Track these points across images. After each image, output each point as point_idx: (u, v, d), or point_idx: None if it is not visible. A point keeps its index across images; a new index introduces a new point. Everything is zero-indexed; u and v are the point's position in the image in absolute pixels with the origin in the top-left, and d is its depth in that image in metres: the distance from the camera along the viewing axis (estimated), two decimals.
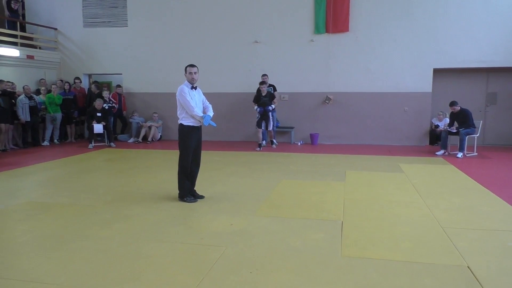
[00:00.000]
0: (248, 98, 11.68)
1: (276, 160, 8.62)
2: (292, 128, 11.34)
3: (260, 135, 10.27)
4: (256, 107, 10.17)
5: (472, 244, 3.88)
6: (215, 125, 5.44)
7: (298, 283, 3.11)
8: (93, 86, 12.03)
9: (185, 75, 5.30)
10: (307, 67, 11.29)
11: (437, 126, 10.69)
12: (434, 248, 3.79)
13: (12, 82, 10.56)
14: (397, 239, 4.02)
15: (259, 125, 10.19)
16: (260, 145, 10.26)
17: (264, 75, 10.68)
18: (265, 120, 10.07)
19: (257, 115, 10.24)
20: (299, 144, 11.18)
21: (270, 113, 9.91)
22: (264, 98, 9.85)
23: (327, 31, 11.04)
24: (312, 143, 11.21)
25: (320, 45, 11.17)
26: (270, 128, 10.04)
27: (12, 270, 3.37)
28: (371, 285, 3.07)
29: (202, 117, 5.22)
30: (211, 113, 5.39)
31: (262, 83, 10.20)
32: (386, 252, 3.71)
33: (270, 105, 9.92)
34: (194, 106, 5.20)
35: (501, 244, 3.88)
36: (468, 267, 3.37)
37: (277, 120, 10.94)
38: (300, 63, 11.31)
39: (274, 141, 10.69)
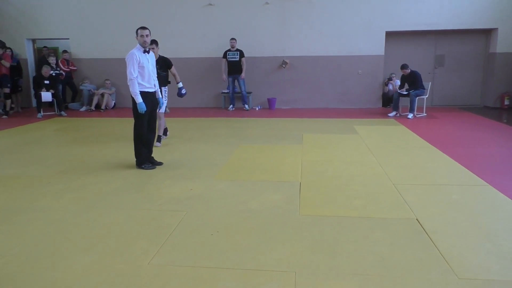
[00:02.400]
0: (204, 62, 11.47)
1: (234, 126, 8.61)
2: (249, 93, 11.30)
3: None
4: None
5: (420, 198, 4.11)
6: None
7: (258, 242, 3.18)
8: (44, 48, 11.36)
9: (137, 39, 5.10)
10: (262, 31, 11.16)
11: (389, 91, 11.03)
12: (385, 204, 3.98)
13: None
14: (351, 196, 4.18)
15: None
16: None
17: (232, 39, 10.61)
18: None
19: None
20: (257, 109, 11.19)
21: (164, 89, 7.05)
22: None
23: None
24: (269, 107, 11.25)
25: (275, 8, 11.02)
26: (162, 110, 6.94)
27: None
28: (327, 240, 3.19)
29: (137, 94, 5.02)
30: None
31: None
32: (341, 209, 3.85)
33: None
34: (137, 75, 5.02)
35: (446, 198, 4.13)
36: (416, 219, 3.57)
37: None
38: (255, 26, 11.15)
39: (246, 106, 11.00)
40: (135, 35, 5.11)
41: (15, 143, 7.13)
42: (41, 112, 10.16)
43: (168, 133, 7.32)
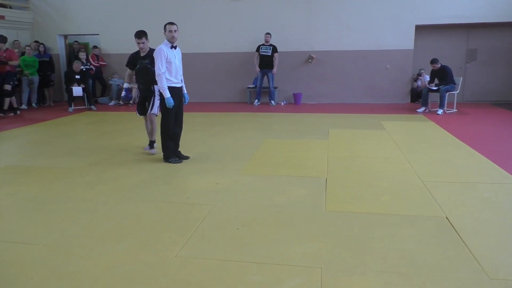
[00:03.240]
0: (231, 58, 11.50)
1: (259, 120, 8.62)
2: (276, 88, 11.28)
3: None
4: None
5: (450, 196, 4.02)
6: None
7: (284, 236, 3.19)
8: (75, 43, 11.64)
9: (165, 34, 5.14)
10: (289, 25, 11.09)
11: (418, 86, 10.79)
12: (413, 201, 3.91)
13: None
14: (378, 193, 4.13)
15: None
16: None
17: (267, 33, 10.65)
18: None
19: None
20: (282, 104, 11.16)
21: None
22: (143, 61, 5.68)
23: None
24: (295, 103, 11.20)
25: (302, 2, 10.92)
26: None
27: None
28: (354, 236, 3.17)
29: (165, 89, 5.06)
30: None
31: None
32: (368, 205, 3.81)
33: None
34: (164, 71, 5.05)
35: (477, 195, 4.02)
36: (446, 217, 3.50)
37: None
38: (282, 21, 11.09)
39: (273, 101, 10.98)
40: (163, 31, 5.16)
41: (48, 136, 7.36)
42: (72, 106, 10.43)
43: (155, 145, 6.00)
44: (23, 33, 12.10)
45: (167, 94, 5.06)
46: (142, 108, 5.90)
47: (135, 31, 5.56)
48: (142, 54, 5.62)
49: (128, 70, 5.97)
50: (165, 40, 5.14)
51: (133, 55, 5.77)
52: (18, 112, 9.99)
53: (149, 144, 6.04)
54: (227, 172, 4.91)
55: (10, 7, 12.03)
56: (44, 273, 2.71)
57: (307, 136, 6.93)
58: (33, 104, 11.11)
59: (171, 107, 5.14)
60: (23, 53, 10.94)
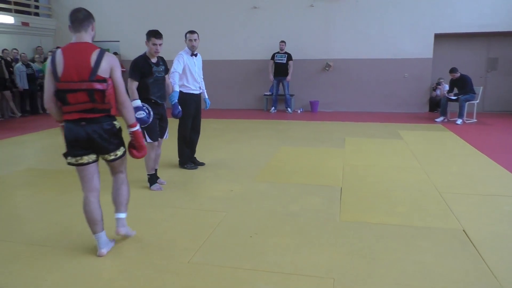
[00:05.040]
0: (248, 65, 11.57)
1: (275, 128, 8.63)
2: (292, 95, 11.28)
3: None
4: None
5: (469, 208, 3.94)
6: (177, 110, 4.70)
7: (297, 245, 3.17)
8: None
9: (186, 42, 5.19)
10: (307, 33, 11.11)
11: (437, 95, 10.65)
12: (430, 212, 3.84)
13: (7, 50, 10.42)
14: (394, 203, 4.08)
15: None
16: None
17: (281, 41, 10.69)
18: None
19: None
20: (298, 111, 11.15)
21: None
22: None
23: None
24: (312, 110, 11.18)
25: (320, 10, 10.94)
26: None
27: (17, 234, 3.43)
28: (368, 247, 3.13)
29: (175, 84, 4.78)
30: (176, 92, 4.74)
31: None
32: (384, 216, 3.76)
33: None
34: (180, 71, 4.97)
35: (497, 208, 3.93)
36: (463, 230, 3.43)
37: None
38: (299, 29, 11.12)
39: (289, 109, 11.02)
40: (184, 39, 5.20)
41: None
42: None
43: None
44: (46, 39, 12.43)
45: (175, 88, 4.82)
46: (159, 130, 4.63)
47: (165, 36, 4.63)
48: (153, 60, 4.46)
49: (135, 83, 4.30)
50: (186, 47, 5.18)
51: (140, 62, 4.39)
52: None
53: (155, 175, 4.73)
54: (241, 179, 4.92)
55: (35, 14, 12.36)
56: (59, 275, 2.76)
57: (323, 144, 6.90)
58: None
59: (174, 104, 4.67)
60: (45, 59, 11.21)
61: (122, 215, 3.23)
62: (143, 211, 3.93)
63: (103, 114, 2.86)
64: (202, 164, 5.60)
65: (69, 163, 2.97)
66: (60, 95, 2.78)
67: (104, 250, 3.02)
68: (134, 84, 4.28)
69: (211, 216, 3.77)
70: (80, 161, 2.92)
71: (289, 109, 10.98)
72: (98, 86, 2.75)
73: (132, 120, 3.01)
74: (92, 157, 2.96)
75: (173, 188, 4.62)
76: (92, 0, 12.23)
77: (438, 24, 10.42)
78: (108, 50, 12.09)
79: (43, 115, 10.74)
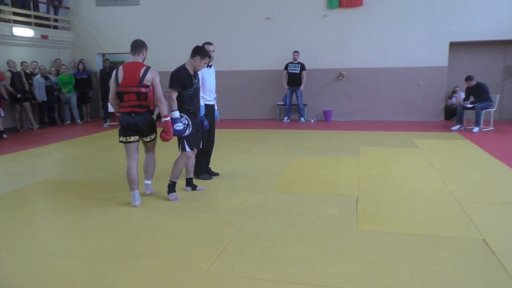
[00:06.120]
0: (262, 75, 11.63)
1: (289, 137, 8.63)
2: (305, 105, 11.28)
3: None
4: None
5: (488, 217, 3.88)
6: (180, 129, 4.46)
7: (314, 256, 3.16)
8: (106, 61, 12.10)
9: None
10: (320, 43, 11.14)
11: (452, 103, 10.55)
12: (449, 221, 3.79)
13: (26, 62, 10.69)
14: (412, 213, 4.04)
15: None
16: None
17: (295, 51, 10.76)
18: None
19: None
20: (312, 121, 11.14)
21: None
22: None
23: (340, 5, 10.82)
24: (325, 120, 11.16)
25: (333, 20, 10.97)
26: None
27: (37, 244, 3.49)
28: (386, 257, 3.10)
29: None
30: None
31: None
32: (401, 225, 3.73)
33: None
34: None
35: None
36: (483, 239, 3.38)
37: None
38: (313, 39, 11.16)
39: (302, 118, 11.04)
40: None
41: (84, 151, 7.61)
42: (108, 122, 10.78)
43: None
44: (65, 52, 12.69)
45: (201, 102, 4.94)
46: (196, 140, 4.73)
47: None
48: (191, 72, 4.50)
49: (176, 93, 4.40)
50: None
51: (182, 73, 4.44)
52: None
53: (191, 181, 4.98)
54: (257, 189, 4.93)
55: (54, 28, 12.64)
56: (79, 285, 2.79)
57: (337, 153, 6.88)
58: (78, 121, 11.55)
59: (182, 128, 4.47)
60: (58, 72, 11.49)
61: (149, 182, 4.76)
62: (161, 221, 3.96)
63: (145, 110, 4.27)
64: (217, 174, 5.63)
65: (121, 141, 4.36)
66: (119, 95, 4.23)
67: (137, 202, 4.41)
68: (174, 94, 4.40)
69: (227, 226, 3.78)
70: (128, 140, 4.34)
71: (302, 119, 10.98)
72: (143, 90, 4.17)
73: (165, 112, 4.29)
74: (136, 138, 4.37)
75: (188, 199, 4.65)
76: (109, 12, 12.52)
77: (453, 32, 10.35)
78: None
79: (61, 126, 10.94)
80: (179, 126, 4.37)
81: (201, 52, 4.49)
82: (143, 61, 4.36)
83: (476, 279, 2.76)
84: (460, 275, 2.82)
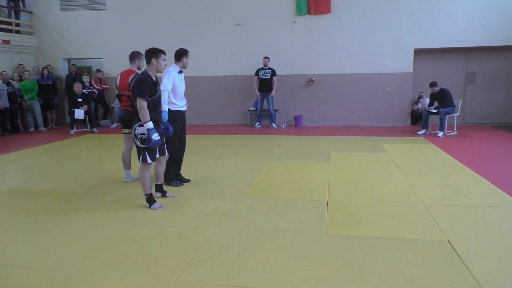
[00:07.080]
0: (232, 81, 11.63)
1: (260, 143, 8.65)
2: (276, 110, 11.35)
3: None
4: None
5: (452, 219, 4.00)
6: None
7: (285, 261, 3.16)
8: (73, 66, 11.79)
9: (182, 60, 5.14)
10: (290, 49, 11.26)
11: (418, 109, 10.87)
12: (416, 224, 3.88)
13: None
14: (380, 216, 4.11)
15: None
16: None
17: (265, 57, 10.80)
18: None
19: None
20: (283, 126, 11.22)
21: None
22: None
23: (309, 12, 10.99)
24: (296, 125, 11.26)
25: (303, 27, 11.12)
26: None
27: None
28: (356, 261, 3.14)
29: (164, 103, 4.79)
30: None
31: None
32: (370, 229, 3.79)
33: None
34: (170, 89, 5.00)
35: (480, 219, 4.00)
36: (448, 241, 3.47)
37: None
38: (283, 45, 11.27)
39: (273, 124, 11.08)
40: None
41: (49, 158, 7.37)
42: (74, 128, 10.49)
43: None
44: (28, 57, 12.29)
45: (165, 107, 4.84)
46: (161, 148, 4.59)
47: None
48: (154, 78, 4.33)
49: (145, 102, 4.18)
50: (173, 64, 5.16)
51: (148, 80, 4.24)
52: None
53: (161, 187, 4.93)
54: (228, 196, 4.90)
55: (16, 32, 12.24)
56: None
57: (308, 159, 6.94)
58: (42, 128, 11.18)
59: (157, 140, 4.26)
60: (21, 78, 11.12)
61: (128, 170, 5.71)
62: (128, 231, 3.86)
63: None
64: (188, 180, 5.57)
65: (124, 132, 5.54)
66: (118, 97, 5.47)
67: (128, 180, 5.59)
68: (144, 103, 4.15)
69: (198, 234, 3.74)
70: (124, 132, 5.53)
71: (273, 124, 11.04)
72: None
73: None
74: (129, 130, 5.26)
75: None
76: (75, 17, 12.23)
77: (417, 39, 10.69)
78: (90, 68, 12.04)
79: (24, 134, 10.57)
80: (157, 136, 4.17)
81: (155, 51, 4.30)
82: (138, 68, 5.35)
83: (442, 281, 2.83)
84: (426, 277, 2.88)
